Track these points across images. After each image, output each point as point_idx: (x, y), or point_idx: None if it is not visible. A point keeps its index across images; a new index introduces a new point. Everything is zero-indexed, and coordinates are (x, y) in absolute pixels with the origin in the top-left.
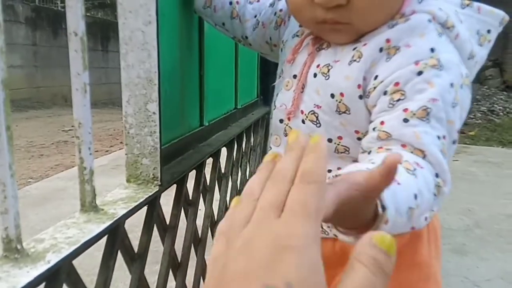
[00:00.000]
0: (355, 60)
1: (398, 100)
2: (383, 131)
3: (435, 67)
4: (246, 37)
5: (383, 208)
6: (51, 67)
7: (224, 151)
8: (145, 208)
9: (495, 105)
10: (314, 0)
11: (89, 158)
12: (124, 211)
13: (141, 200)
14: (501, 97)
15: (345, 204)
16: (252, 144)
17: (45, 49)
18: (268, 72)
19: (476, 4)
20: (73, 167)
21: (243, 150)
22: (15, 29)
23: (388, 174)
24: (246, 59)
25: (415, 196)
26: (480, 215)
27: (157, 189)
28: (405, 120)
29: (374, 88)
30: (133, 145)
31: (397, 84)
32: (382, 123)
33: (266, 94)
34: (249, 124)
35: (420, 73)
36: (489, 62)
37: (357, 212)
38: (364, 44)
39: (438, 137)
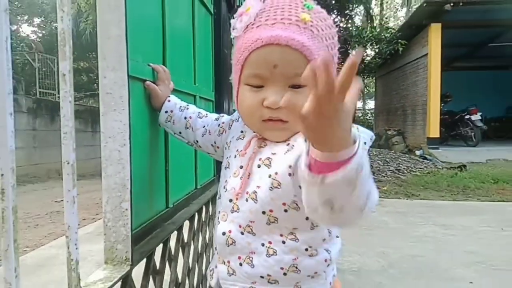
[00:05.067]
0: (289, 151)
1: None
2: None
3: None
4: (197, 141)
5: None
6: (48, 147)
7: (187, 223)
8: (120, 283)
9: (401, 165)
10: (263, 103)
11: (75, 252)
12: None
13: (116, 279)
14: (405, 158)
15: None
16: (210, 214)
17: (43, 132)
18: None
19: (355, 125)
20: (63, 235)
21: (203, 220)
22: (18, 118)
23: (352, 64)
24: None
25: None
26: (393, 256)
27: (129, 268)
28: None
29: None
30: (110, 235)
31: None
32: None
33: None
34: (207, 199)
35: None
36: (394, 132)
37: (333, 123)
38: (295, 141)
39: None
